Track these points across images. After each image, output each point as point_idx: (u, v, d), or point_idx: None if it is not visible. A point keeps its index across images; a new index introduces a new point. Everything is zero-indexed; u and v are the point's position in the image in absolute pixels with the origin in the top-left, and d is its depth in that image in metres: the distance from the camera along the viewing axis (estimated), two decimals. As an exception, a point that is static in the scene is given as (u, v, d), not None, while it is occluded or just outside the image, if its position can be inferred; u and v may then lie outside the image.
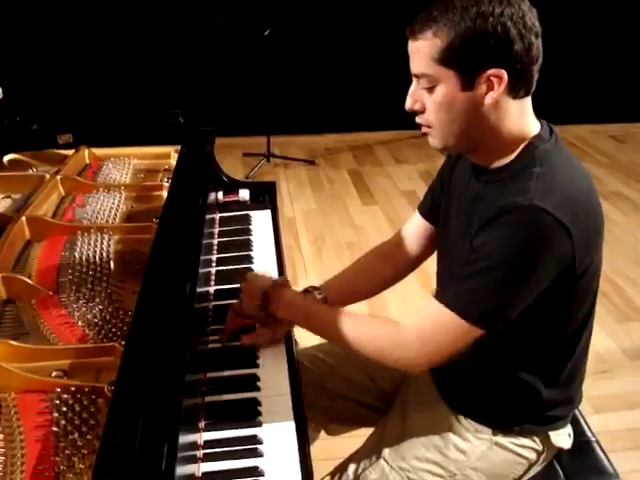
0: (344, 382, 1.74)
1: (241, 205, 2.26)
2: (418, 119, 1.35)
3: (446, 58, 1.23)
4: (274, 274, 1.80)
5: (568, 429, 1.56)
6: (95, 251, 1.60)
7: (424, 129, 1.35)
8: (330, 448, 1.88)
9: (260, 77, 4.79)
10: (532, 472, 1.55)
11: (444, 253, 1.57)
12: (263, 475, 1.20)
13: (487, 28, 1.20)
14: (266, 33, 4.54)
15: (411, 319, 1.37)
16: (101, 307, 1.38)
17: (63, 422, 1.07)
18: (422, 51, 1.26)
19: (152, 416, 0.98)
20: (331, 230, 4.16)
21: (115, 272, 1.54)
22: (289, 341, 1.60)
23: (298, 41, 5.15)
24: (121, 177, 2.06)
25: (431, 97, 1.28)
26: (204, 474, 1.17)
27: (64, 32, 4.72)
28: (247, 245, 2.01)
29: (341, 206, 4.50)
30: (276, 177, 4.88)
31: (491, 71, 1.23)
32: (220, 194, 2.23)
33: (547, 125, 1.37)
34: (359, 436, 1.71)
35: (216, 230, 2.06)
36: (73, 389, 1.13)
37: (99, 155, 2.19)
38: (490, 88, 1.25)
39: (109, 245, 1.64)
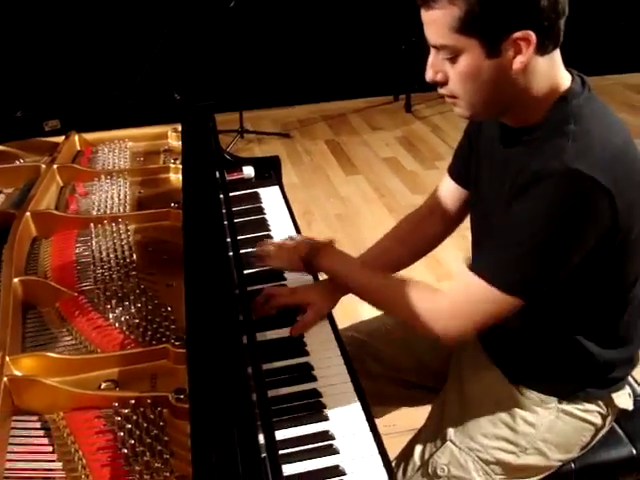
0: (387, 363, 1.65)
1: (246, 183, 2.13)
2: (441, 90, 1.25)
3: (466, 26, 1.13)
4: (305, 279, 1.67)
5: (628, 389, 1.50)
6: (114, 243, 1.46)
7: (448, 99, 1.26)
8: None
9: (227, 50, 4.61)
10: (598, 437, 1.48)
11: (476, 218, 1.49)
12: (345, 474, 1.10)
13: None
14: (232, 4, 4.35)
15: (447, 287, 1.34)
16: (138, 305, 1.24)
17: (131, 442, 0.93)
18: (439, 21, 1.15)
19: (243, 425, 0.85)
20: (317, 203, 4.04)
21: (141, 265, 1.40)
22: (332, 322, 1.50)
23: (264, 11, 4.96)
24: (120, 162, 1.90)
25: (454, 67, 1.19)
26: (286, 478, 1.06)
27: (44, 11, 4.47)
28: (264, 225, 1.88)
29: (324, 178, 4.38)
30: (251, 153, 4.72)
31: (517, 34, 1.13)
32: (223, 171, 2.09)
33: (578, 76, 1.28)
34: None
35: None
36: (132, 402, 0.99)
37: (91, 140, 2.02)
38: (518, 52, 1.15)
39: (128, 236, 1.49)
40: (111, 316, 1.24)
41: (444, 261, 3.16)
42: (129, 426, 0.95)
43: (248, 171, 2.14)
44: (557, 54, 1.21)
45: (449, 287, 1.35)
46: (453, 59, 1.17)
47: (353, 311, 2.97)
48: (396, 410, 1.80)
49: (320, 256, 1.50)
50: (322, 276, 1.60)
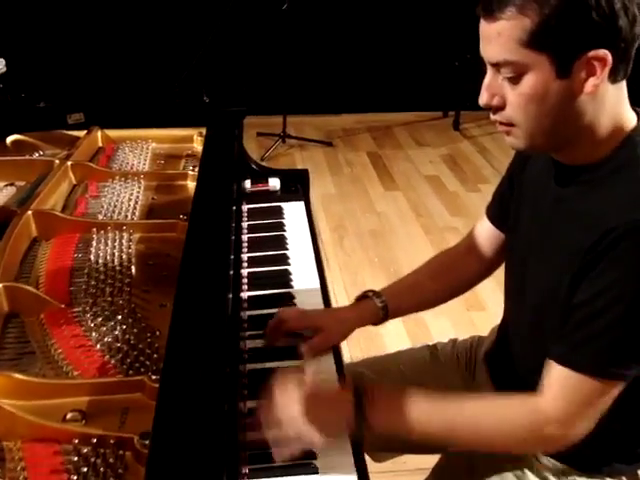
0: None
1: (271, 195, 2.03)
2: (496, 116, 1.11)
3: (538, 40, 1.00)
4: (315, 300, 1.54)
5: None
6: (113, 253, 1.37)
7: (503, 128, 1.12)
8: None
9: (277, 53, 4.53)
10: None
11: (514, 264, 1.35)
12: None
13: (589, 1, 0.97)
14: (284, 7, 4.28)
15: (543, 395, 1.13)
16: (124, 326, 1.15)
17: (83, 487, 0.84)
18: (505, 34, 1.02)
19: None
20: (352, 217, 3.93)
21: (138, 280, 1.31)
22: (338, 356, 1.39)
23: (316, 16, 4.88)
24: (139, 163, 1.82)
25: (516, 89, 1.05)
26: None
27: (75, 1, 4.45)
28: (281, 243, 1.78)
29: (361, 191, 4.26)
30: (292, 159, 4.65)
31: (593, 53, 1.00)
32: (248, 183, 1.99)
33: None
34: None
35: (245, 224, 1.83)
36: (94, 440, 0.89)
37: (113, 137, 1.95)
38: (591, 73, 1.02)
39: (129, 246, 1.40)
40: (94, 335, 1.14)
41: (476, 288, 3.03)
42: (85, 469, 0.86)
43: (274, 183, 2.04)
44: (624, 86, 1.09)
45: (551, 395, 1.12)
46: (516, 79, 1.04)
47: (376, 336, 2.88)
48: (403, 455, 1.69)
49: (368, 411, 1.14)
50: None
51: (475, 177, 4.50)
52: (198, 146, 1.95)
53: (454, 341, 1.61)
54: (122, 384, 1.01)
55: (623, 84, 1.08)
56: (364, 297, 1.45)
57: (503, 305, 1.44)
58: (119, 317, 1.18)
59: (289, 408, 1.08)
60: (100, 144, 1.93)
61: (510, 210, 1.36)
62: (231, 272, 1.34)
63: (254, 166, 2.08)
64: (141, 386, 1.00)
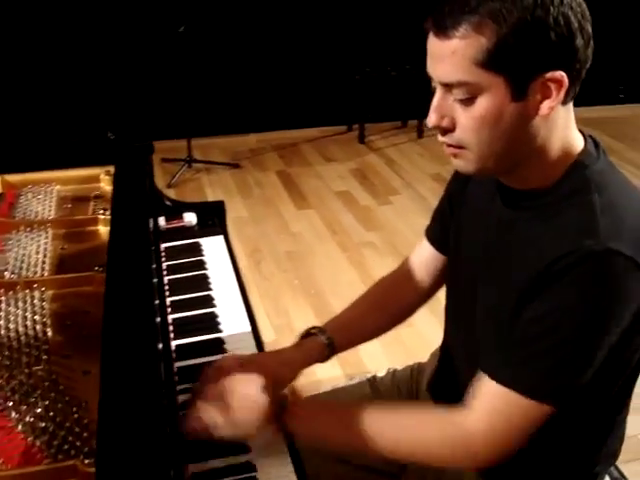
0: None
1: (187, 232, 1.94)
2: (445, 139, 1.06)
3: (494, 60, 0.96)
4: (248, 344, 1.47)
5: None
6: (26, 316, 1.25)
7: (451, 150, 1.07)
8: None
9: (176, 76, 4.43)
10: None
11: (458, 286, 1.32)
12: None
13: (548, 20, 0.94)
14: (181, 30, 4.18)
15: (470, 410, 1.10)
16: (47, 402, 1.04)
17: None
18: (459, 53, 0.97)
19: None
20: (267, 239, 3.86)
21: (56, 344, 1.20)
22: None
23: (215, 37, 4.80)
24: (44, 209, 1.70)
25: (469, 111, 1.01)
26: None
27: None
28: (204, 283, 1.69)
29: (274, 212, 4.20)
30: (199, 184, 4.54)
31: (549, 74, 0.98)
32: (162, 220, 1.90)
33: (589, 137, 1.13)
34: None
35: (164, 265, 1.73)
36: None
37: (14, 182, 1.81)
38: (546, 95, 0.99)
39: (42, 306, 1.29)
40: (14, 415, 1.03)
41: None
42: None
43: (189, 218, 1.95)
44: (572, 107, 1.06)
45: (476, 408, 1.09)
46: (469, 100, 1.00)
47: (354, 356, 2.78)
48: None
49: (287, 419, 1.15)
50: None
51: (385, 190, 4.51)
52: (106, 185, 1.84)
53: (393, 372, 1.57)
54: (51, 472, 0.91)
55: (571, 105, 1.06)
56: (308, 335, 1.38)
57: (443, 329, 1.41)
58: (39, 391, 1.07)
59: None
60: (0, 190, 1.79)
61: (450, 233, 1.33)
62: (158, 319, 1.25)
63: (167, 202, 1.99)
64: (73, 472, 0.90)
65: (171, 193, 4.03)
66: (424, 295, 1.47)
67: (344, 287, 3.33)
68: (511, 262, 1.11)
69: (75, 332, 1.24)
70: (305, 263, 3.62)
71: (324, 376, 2.59)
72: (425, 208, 4.17)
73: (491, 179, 1.17)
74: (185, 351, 1.42)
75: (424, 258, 1.44)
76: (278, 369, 1.28)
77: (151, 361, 1.07)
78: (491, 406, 1.07)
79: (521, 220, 1.11)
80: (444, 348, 1.41)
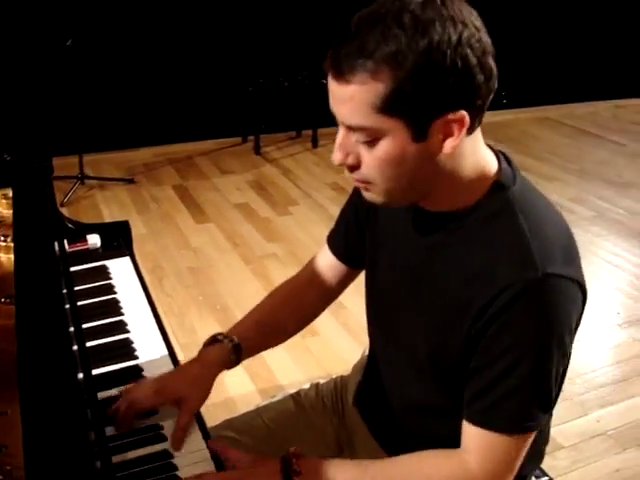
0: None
1: (92, 254, 1.87)
2: (352, 174, 1.06)
3: (392, 106, 0.95)
4: (166, 368, 1.42)
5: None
6: None
7: (359, 184, 1.08)
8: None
9: (65, 91, 4.28)
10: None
11: (379, 304, 1.32)
12: None
13: (445, 64, 0.93)
14: (68, 43, 4.04)
15: (467, 453, 1.11)
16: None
17: None
18: (357, 98, 0.96)
19: None
20: (167, 255, 3.78)
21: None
22: (200, 421, 1.29)
23: (103, 50, 4.67)
24: (-63, 239, 1.59)
25: (372, 152, 1.00)
26: None
27: None
28: (115, 307, 1.63)
29: (172, 227, 4.12)
30: (93, 201, 4.40)
31: (450, 115, 0.97)
32: (65, 243, 1.82)
33: (500, 153, 1.14)
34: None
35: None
36: None
37: None
38: (448, 134, 0.99)
39: (-54, 344, 1.20)
40: None
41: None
42: None
43: (94, 240, 1.89)
44: (479, 131, 1.06)
45: (474, 455, 1.10)
46: (371, 142, 0.99)
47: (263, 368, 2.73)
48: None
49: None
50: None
51: (284, 200, 4.51)
52: (3, 210, 1.74)
53: (316, 385, 1.56)
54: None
55: (478, 130, 1.05)
56: (215, 341, 1.36)
57: (369, 341, 1.41)
58: (-48, 439, 0.99)
59: None
60: None
61: (362, 247, 1.33)
62: (75, 347, 1.20)
63: (69, 224, 1.91)
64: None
65: (65, 212, 3.87)
66: (327, 298, 1.48)
67: (249, 300, 3.22)
68: (439, 291, 1.12)
69: (-14, 370, 1.16)
70: (208, 278, 3.57)
71: (237, 392, 2.58)
72: (325, 217, 4.21)
73: None
74: (103, 381, 1.36)
75: (327, 264, 1.44)
76: (189, 390, 1.26)
77: (73, 395, 1.02)
78: (480, 450, 1.09)
79: (441, 244, 1.12)
80: (370, 361, 1.41)
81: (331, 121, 1.05)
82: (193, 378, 1.29)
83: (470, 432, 1.10)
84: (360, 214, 1.34)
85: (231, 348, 1.33)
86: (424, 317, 1.15)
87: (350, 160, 1.03)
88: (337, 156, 1.03)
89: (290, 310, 1.46)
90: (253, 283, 3.51)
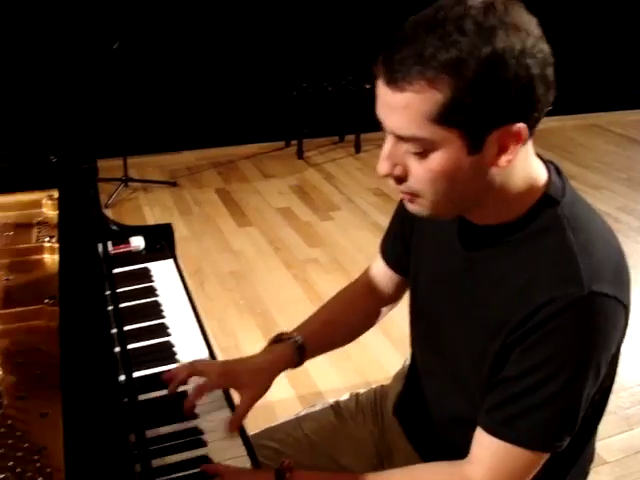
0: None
1: (135, 256, 1.87)
2: (398, 186, 1.02)
3: (449, 117, 0.91)
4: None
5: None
6: (-27, 355, 1.18)
7: (405, 196, 1.04)
8: None
9: (111, 93, 4.33)
10: None
11: (422, 315, 1.30)
12: None
13: (508, 74, 0.89)
14: (115, 46, 4.08)
15: (472, 464, 1.08)
16: (2, 450, 0.97)
17: None
18: (412, 108, 0.91)
19: None
20: (209, 258, 3.79)
21: (9, 385, 1.13)
22: (244, 437, 1.27)
23: (149, 53, 4.71)
24: (-16, 238, 1.61)
25: (423, 164, 0.96)
26: None
27: None
28: (156, 310, 1.63)
29: (214, 230, 4.13)
30: (137, 203, 4.44)
31: (508, 128, 0.93)
32: (108, 245, 1.83)
33: (550, 164, 1.10)
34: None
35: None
36: None
37: (-52, 209, 1.72)
38: (504, 148, 0.95)
39: (-9, 343, 1.21)
40: (-33, 466, 0.96)
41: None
42: None
43: (137, 242, 1.89)
44: (531, 142, 1.02)
45: (479, 464, 1.08)
46: (422, 154, 0.95)
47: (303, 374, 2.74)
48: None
49: None
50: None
51: (326, 205, 4.50)
52: (48, 211, 1.76)
53: (356, 396, 1.54)
54: (14, 529, 0.84)
55: (530, 141, 1.01)
56: (279, 340, 1.35)
57: (410, 351, 1.39)
58: (-7, 438, 0.99)
59: None
60: None
61: (408, 259, 1.31)
62: (117, 349, 1.20)
63: (113, 226, 1.92)
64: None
65: (108, 214, 3.89)
66: (385, 305, 1.46)
67: (290, 305, 3.29)
68: (480, 307, 1.09)
69: (28, 371, 1.17)
70: (249, 281, 3.57)
71: (277, 397, 2.56)
72: (367, 223, 4.18)
73: None
74: (143, 384, 1.36)
75: (381, 271, 1.43)
76: (253, 379, 1.27)
77: (114, 397, 1.01)
78: (494, 460, 1.06)
79: (486, 257, 1.08)
80: (411, 371, 1.38)
81: (374, 126, 1.02)
82: (257, 368, 1.29)
83: (483, 442, 1.06)
84: (405, 225, 1.33)
85: (295, 348, 1.33)
86: (465, 329, 1.12)
87: (397, 171, 0.99)
88: (383, 167, 0.99)
89: (350, 316, 1.46)
90: (294, 288, 3.50)
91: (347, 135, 5.47)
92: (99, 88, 4.46)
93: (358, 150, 5.32)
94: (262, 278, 3.61)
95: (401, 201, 1.31)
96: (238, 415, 1.24)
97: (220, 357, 2.17)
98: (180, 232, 4.04)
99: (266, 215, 4.34)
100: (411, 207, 1.05)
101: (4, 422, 1.03)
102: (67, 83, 4.42)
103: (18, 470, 0.93)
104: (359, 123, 5.16)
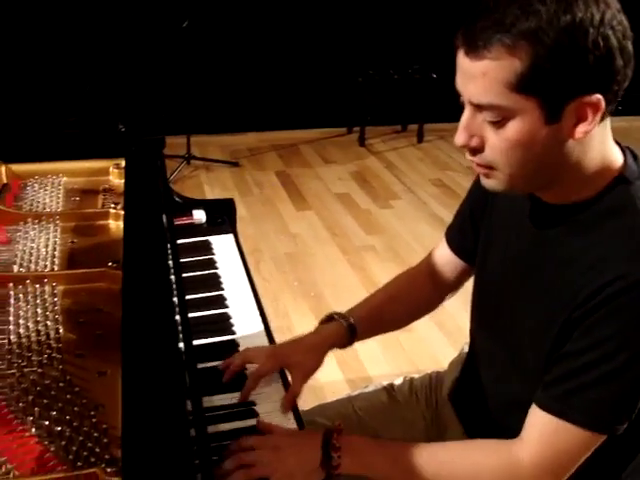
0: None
1: (196, 229, 1.88)
2: (474, 158, 1.02)
3: (528, 84, 0.92)
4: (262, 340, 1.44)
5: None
6: (36, 312, 1.19)
7: (481, 169, 1.04)
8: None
9: (178, 71, 4.37)
10: None
11: (487, 298, 1.27)
12: None
13: (587, 43, 0.89)
14: (184, 25, 4.12)
15: (521, 440, 1.07)
16: (61, 404, 0.98)
17: None
18: (491, 75, 0.92)
19: None
20: (266, 239, 3.81)
21: (69, 343, 1.14)
22: (296, 412, 1.26)
23: (218, 33, 4.74)
24: (52, 201, 1.64)
25: (500, 133, 0.97)
26: None
27: None
28: (216, 282, 1.64)
29: (273, 212, 4.15)
30: (198, 181, 4.49)
31: (586, 98, 0.93)
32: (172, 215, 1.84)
33: (627, 149, 1.08)
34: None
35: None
36: None
37: (19, 173, 1.75)
38: (582, 119, 0.95)
39: (54, 302, 1.23)
40: (27, 419, 0.97)
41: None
42: None
43: (199, 215, 1.90)
44: (609, 122, 1.01)
45: (529, 440, 1.06)
46: (500, 123, 0.96)
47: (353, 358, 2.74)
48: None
49: (344, 455, 1.10)
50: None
51: (386, 193, 4.46)
52: (115, 179, 1.78)
53: (410, 380, 1.52)
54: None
55: (608, 120, 1.01)
56: (330, 319, 1.36)
57: (470, 336, 1.37)
58: (54, 393, 1.01)
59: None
60: (5, 180, 1.72)
61: (476, 242, 1.30)
62: (177, 317, 1.20)
63: (177, 198, 1.94)
64: (94, 481, 0.85)
65: (170, 189, 3.98)
66: (444, 293, 1.45)
67: (344, 291, 3.28)
68: (548, 285, 1.07)
69: (88, 330, 1.18)
70: (305, 265, 3.57)
71: (326, 380, 2.56)
72: (426, 214, 4.14)
73: (523, 195, 1.13)
74: (199, 352, 1.36)
75: (444, 258, 1.41)
76: (303, 357, 1.28)
77: (173, 362, 1.01)
78: (543, 437, 1.04)
79: (556, 238, 1.07)
80: (470, 357, 1.36)
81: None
82: (308, 347, 1.31)
83: (537, 418, 1.04)
84: (475, 208, 1.31)
85: (347, 328, 1.33)
86: (532, 307, 1.10)
87: (474, 142, 1.00)
88: (461, 137, 1.00)
89: (406, 300, 1.45)
90: (349, 274, 3.48)
91: (410, 124, 5.42)
92: (168, 65, 4.49)
93: (420, 140, 5.27)
94: (318, 262, 3.60)
95: (474, 183, 1.30)
96: (291, 394, 1.25)
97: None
98: (239, 212, 3.98)
99: (325, 200, 4.34)
100: (486, 182, 1.05)
101: (63, 377, 1.04)
102: (139, 59, 4.47)
103: (75, 424, 0.94)
104: (423, 113, 5.10)
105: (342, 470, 1.09)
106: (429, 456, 1.12)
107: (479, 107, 0.96)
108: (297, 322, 2.98)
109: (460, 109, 1.03)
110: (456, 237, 1.38)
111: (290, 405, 1.23)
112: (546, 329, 1.06)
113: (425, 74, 4.99)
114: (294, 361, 1.28)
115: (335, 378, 2.64)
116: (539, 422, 1.05)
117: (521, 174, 1.00)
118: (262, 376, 1.27)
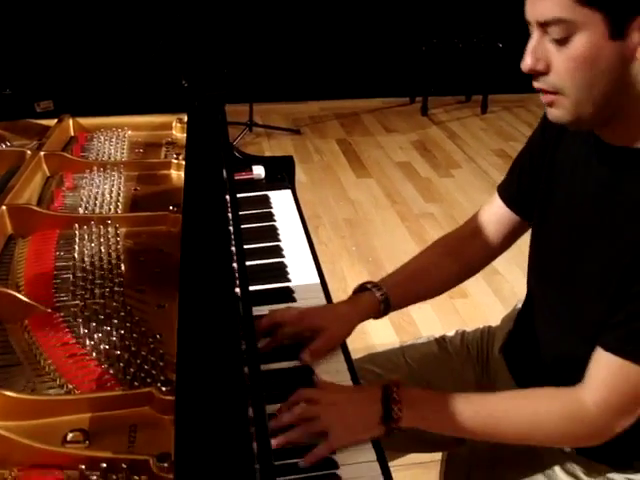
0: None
1: (256, 184, 1.92)
2: (539, 83, 1.03)
3: None
4: (315, 294, 1.45)
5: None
6: (100, 250, 1.25)
7: (547, 97, 1.03)
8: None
9: (242, 39, 4.40)
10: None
11: (549, 249, 1.25)
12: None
13: None
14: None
15: (586, 384, 1.07)
16: (121, 331, 1.03)
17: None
18: None
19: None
20: (326, 205, 3.83)
21: (130, 278, 1.19)
22: (346, 352, 1.29)
23: (282, 3, 4.75)
24: (116, 152, 1.69)
25: (564, 51, 0.97)
26: None
27: None
28: (273, 234, 1.68)
29: (333, 179, 4.17)
30: (260, 148, 4.53)
31: None
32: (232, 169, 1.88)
33: None
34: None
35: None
36: (104, 465, 0.78)
37: (86, 126, 1.81)
38: None
39: (117, 241, 1.28)
40: (88, 343, 1.02)
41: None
42: (96, 500, 0.75)
43: (258, 171, 1.94)
44: None
45: (594, 383, 1.06)
46: (564, 40, 0.96)
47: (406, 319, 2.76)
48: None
49: (404, 408, 1.09)
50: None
51: (446, 163, 4.43)
52: (177, 133, 1.83)
53: (462, 333, 1.53)
54: (127, 398, 0.89)
55: None
56: (363, 289, 1.36)
57: (527, 288, 1.36)
58: (115, 321, 1.06)
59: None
60: (72, 133, 1.79)
61: (534, 193, 1.27)
62: (234, 265, 1.23)
63: (237, 153, 1.97)
64: (149, 399, 0.89)
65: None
66: (491, 252, 1.42)
67: (402, 256, 3.22)
68: (614, 232, 1.07)
69: (148, 268, 1.23)
70: (363, 230, 3.58)
71: (380, 342, 2.58)
72: (487, 183, 4.10)
73: (587, 139, 1.12)
74: (255, 298, 1.40)
75: (495, 215, 1.39)
76: (333, 324, 1.27)
77: (229, 305, 1.04)
78: (608, 379, 1.04)
79: (623, 182, 1.06)
80: (525, 310, 1.36)
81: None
82: (338, 315, 1.30)
83: (601, 361, 1.04)
84: (536, 156, 1.29)
85: (380, 298, 1.32)
86: (596, 252, 1.09)
87: (540, 66, 1.00)
88: (527, 61, 1.01)
89: (450, 261, 1.43)
90: (407, 240, 3.49)
91: (474, 95, 5.35)
92: (234, 31, 4.52)
93: (484, 111, 5.19)
94: (376, 228, 3.62)
95: (534, 132, 1.29)
96: (310, 350, 1.22)
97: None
98: (299, 178, 4.06)
99: (385, 168, 4.33)
100: (552, 112, 1.05)
101: (124, 308, 1.09)
102: (205, 20, 4.51)
103: (133, 349, 0.99)
104: (487, 83, 5.02)
105: (403, 423, 1.08)
106: (490, 406, 1.12)
107: (545, 25, 0.97)
108: (353, 285, 2.97)
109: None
110: (513, 189, 1.35)
111: (309, 355, 1.21)
112: (612, 272, 1.05)
113: (491, 43, 4.90)
114: (322, 325, 1.25)
115: (389, 340, 2.66)
116: (604, 364, 1.04)
117: (585, 98, 0.99)
118: (279, 325, 1.26)
